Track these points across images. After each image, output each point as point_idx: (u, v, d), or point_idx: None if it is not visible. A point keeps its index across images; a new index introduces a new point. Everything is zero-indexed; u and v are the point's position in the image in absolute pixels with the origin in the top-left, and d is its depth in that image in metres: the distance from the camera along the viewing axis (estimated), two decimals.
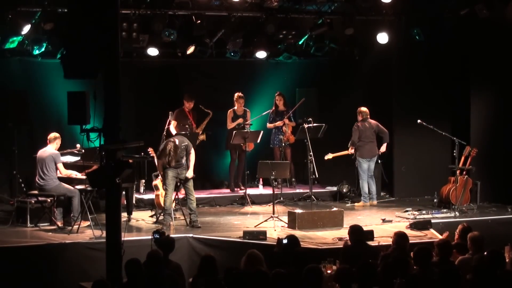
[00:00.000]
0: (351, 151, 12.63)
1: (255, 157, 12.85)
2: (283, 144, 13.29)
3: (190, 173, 10.88)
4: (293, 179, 13.66)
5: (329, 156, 12.64)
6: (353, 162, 12.83)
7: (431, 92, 13.44)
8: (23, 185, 11.92)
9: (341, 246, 8.92)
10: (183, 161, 10.90)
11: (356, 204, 12.75)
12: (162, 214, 10.99)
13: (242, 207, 12.62)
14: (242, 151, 13.17)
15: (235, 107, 13.25)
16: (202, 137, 12.90)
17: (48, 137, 10.86)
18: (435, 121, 12.43)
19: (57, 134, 10.90)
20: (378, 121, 13.13)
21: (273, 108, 13.66)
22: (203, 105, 13.15)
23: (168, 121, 12.36)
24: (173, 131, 12.51)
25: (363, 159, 12.67)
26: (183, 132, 12.39)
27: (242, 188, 13.21)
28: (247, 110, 13.34)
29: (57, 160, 10.73)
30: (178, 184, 11.03)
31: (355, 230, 8.49)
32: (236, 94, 13.25)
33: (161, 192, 11.13)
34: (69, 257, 9.51)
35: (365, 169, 12.66)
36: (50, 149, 10.78)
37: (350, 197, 13.06)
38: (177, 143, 10.75)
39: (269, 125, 13.56)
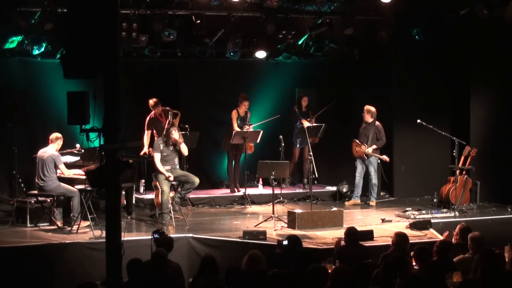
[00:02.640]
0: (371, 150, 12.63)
1: (264, 158, 12.59)
2: (306, 145, 13.14)
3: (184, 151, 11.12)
4: (304, 180, 13.56)
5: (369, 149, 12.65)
6: (353, 162, 12.83)
7: (430, 92, 13.44)
8: (23, 185, 11.91)
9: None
10: (175, 161, 11.03)
11: (371, 202, 12.76)
12: (160, 213, 11.04)
13: (242, 207, 12.62)
14: (238, 151, 13.17)
15: (239, 108, 13.19)
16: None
17: (50, 137, 10.87)
18: (435, 121, 12.43)
19: (59, 135, 10.90)
20: (378, 120, 13.11)
21: (295, 107, 13.62)
22: (203, 105, 13.13)
23: (167, 121, 12.34)
24: (146, 140, 12.37)
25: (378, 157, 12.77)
26: (183, 132, 12.38)
27: (240, 189, 13.21)
28: (248, 111, 13.32)
29: (57, 162, 10.73)
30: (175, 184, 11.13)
31: (351, 233, 8.60)
32: (241, 96, 13.16)
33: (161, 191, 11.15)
34: (69, 257, 9.52)
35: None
36: (50, 150, 10.77)
37: (350, 197, 13.04)
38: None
39: (304, 123, 13.39)
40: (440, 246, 7.73)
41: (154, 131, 12.38)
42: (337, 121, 13.53)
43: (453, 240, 8.55)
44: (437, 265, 6.72)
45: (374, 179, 12.75)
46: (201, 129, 13.03)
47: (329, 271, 7.36)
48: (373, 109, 12.68)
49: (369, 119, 12.67)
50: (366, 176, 12.81)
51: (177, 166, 11.12)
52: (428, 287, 6.31)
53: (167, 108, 12.52)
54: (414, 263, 7.66)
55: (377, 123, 12.68)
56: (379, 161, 13.19)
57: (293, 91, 14.24)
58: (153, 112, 12.42)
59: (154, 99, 12.38)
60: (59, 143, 10.86)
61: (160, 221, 10.89)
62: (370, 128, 12.66)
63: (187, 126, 12.75)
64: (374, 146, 12.62)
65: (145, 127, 12.42)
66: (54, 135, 10.88)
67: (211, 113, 13.94)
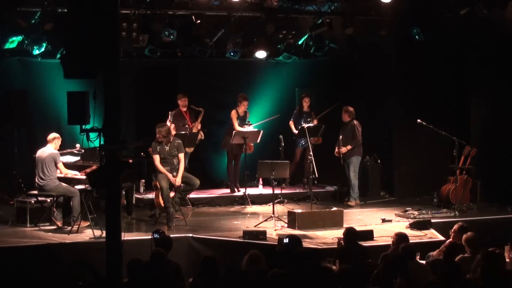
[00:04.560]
0: (345, 150, 12.57)
1: (264, 158, 12.53)
2: (308, 145, 13.01)
3: (178, 180, 10.97)
4: (304, 180, 13.52)
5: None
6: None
7: (430, 92, 13.43)
8: (23, 185, 11.91)
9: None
10: (174, 161, 10.98)
11: (349, 203, 12.69)
12: (160, 213, 11.04)
13: (242, 207, 12.61)
14: (238, 151, 13.16)
15: (238, 108, 13.20)
16: (199, 136, 12.89)
17: (47, 138, 10.87)
18: (435, 121, 12.43)
19: (56, 135, 10.90)
20: (378, 120, 13.11)
21: (297, 108, 13.65)
22: (203, 105, 13.13)
23: (168, 121, 12.35)
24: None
25: (359, 158, 12.68)
26: (183, 132, 12.40)
27: (240, 189, 13.20)
28: (247, 111, 13.32)
29: (57, 160, 10.74)
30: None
31: (350, 233, 8.62)
32: (240, 96, 13.19)
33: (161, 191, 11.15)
34: (69, 257, 9.50)
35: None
36: (49, 149, 10.79)
37: (349, 198, 13.01)
38: (172, 131, 11.21)
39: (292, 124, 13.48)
40: (449, 247, 7.73)
41: (172, 127, 12.47)
42: (337, 121, 13.51)
43: (450, 239, 8.57)
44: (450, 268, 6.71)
45: (353, 180, 12.65)
46: (201, 129, 13.03)
47: None
48: (351, 109, 12.69)
49: (346, 118, 12.66)
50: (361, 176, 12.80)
51: (177, 167, 11.10)
52: None
53: (191, 106, 12.64)
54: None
55: (354, 122, 12.66)
56: (378, 161, 13.20)
57: (293, 91, 14.25)
58: (180, 106, 12.68)
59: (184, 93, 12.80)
60: (56, 142, 10.87)
61: (161, 221, 10.90)
62: (345, 128, 12.64)
63: (187, 126, 12.76)
64: (349, 146, 12.54)
65: (170, 121, 12.49)
66: (52, 135, 10.89)
67: (211, 113, 13.91)
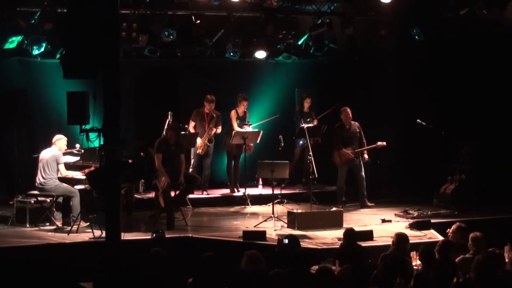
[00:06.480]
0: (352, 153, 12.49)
1: (264, 158, 12.42)
2: (307, 145, 12.71)
3: (181, 178, 11.06)
4: (304, 179, 13.49)
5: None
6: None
7: (430, 92, 13.42)
8: (22, 185, 11.91)
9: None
10: (176, 163, 10.98)
11: (369, 203, 12.60)
12: (160, 213, 11.05)
13: (242, 207, 12.61)
14: (238, 152, 13.16)
15: (238, 108, 13.20)
16: (205, 141, 12.85)
17: (52, 140, 10.92)
18: (434, 121, 12.41)
19: (59, 136, 10.97)
20: (378, 120, 13.07)
21: (297, 108, 13.63)
22: (203, 105, 13.13)
23: (167, 121, 12.34)
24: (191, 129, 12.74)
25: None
26: (182, 133, 12.40)
27: (240, 189, 13.20)
28: (247, 111, 13.32)
29: (59, 161, 10.78)
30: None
31: (349, 234, 8.64)
32: (240, 96, 13.20)
33: (161, 191, 11.15)
34: (69, 257, 9.51)
35: None
36: (53, 150, 10.86)
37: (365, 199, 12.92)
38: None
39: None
40: (442, 245, 7.73)
41: (192, 125, 12.63)
42: (337, 121, 13.51)
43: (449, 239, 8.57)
44: (445, 266, 6.73)
45: (364, 181, 12.55)
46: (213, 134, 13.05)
47: None
48: (348, 110, 12.51)
49: (348, 120, 12.48)
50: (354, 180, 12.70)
51: (177, 168, 11.09)
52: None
53: (213, 110, 12.76)
54: (414, 263, 7.66)
55: (357, 123, 12.55)
56: (378, 161, 13.18)
57: (293, 91, 14.25)
58: (204, 108, 12.73)
59: (213, 96, 12.78)
60: (58, 144, 10.92)
61: (161, 222, 10.90)
62: (349, 130, 12.48)
63: (186, 126, 12.76)
64: (368, 147, 12.43)
65: (192, 119, 12.76)
66: (56, 137, 10.98)
67: None
